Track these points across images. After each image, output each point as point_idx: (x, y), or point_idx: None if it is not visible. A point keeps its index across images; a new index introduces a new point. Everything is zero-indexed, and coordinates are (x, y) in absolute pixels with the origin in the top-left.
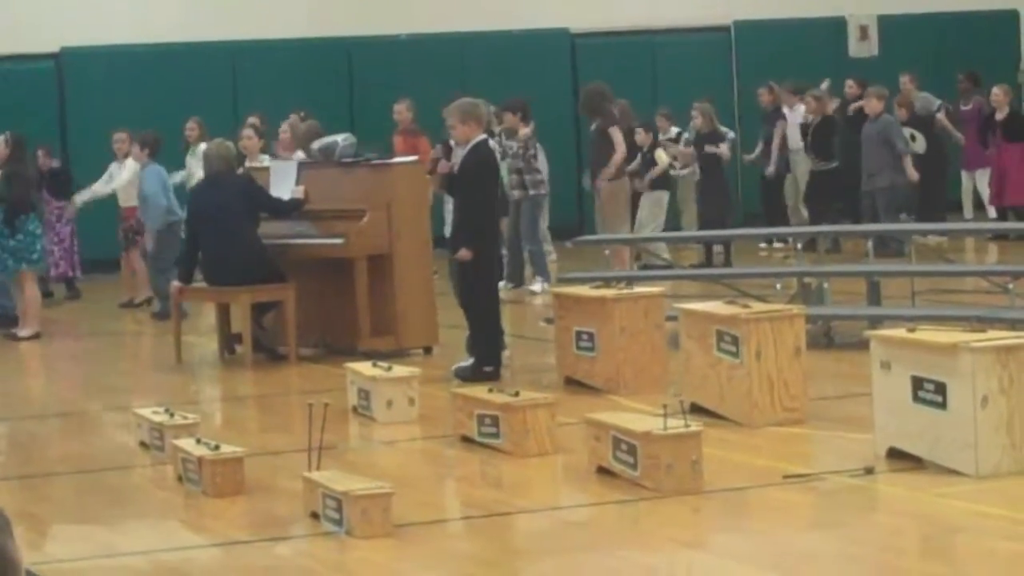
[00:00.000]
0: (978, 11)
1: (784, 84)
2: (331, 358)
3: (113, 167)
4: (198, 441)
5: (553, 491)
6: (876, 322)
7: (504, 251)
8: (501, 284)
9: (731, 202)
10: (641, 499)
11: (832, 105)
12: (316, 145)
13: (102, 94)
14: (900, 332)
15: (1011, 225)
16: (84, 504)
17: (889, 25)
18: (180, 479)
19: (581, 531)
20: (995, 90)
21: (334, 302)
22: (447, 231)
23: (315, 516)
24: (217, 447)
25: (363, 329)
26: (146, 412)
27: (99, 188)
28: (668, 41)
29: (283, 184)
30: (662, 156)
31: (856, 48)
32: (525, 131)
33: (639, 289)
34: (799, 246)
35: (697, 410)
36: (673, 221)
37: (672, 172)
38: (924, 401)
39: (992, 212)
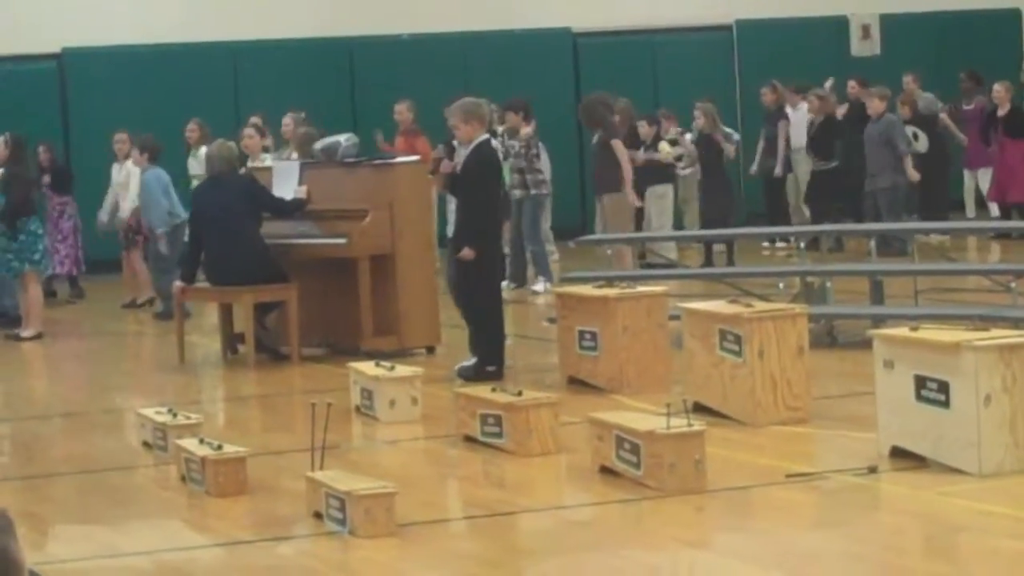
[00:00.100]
0: (980, 10)
1: (788, 83)
2: (334, 358)
3: (114, 168)
4: (201, 441)
5: (556, 491)
6: (879, 321)
7: (507, 251)
8: (504, 284)
9: (734, 201)
10: (644, 498)
11: (840, 109)
12: (319, 145)
13: (104, 94)
14: (903, 331)
15: (1013, 224)
16: (87, 504)
17: (891, 24)
18: (183, 479)
19: (584, 531)
20: (996, 87)
21: (337, 302)
22: (450, 231)
23: (318, 516)
24: (220, 447)
25: (366, 329)
26: (149, 412)
27: (116, 201)
28: (670, 40)
29: (286, 184)
30: (665, 148)
31: (858, 47)
32: (527, 130)
33: (642, 288)
34: (802, 245)
35: (700, 409)
36: (676, 220)
37: (677, 171)
38: (927, 400)
39: (994, 210)
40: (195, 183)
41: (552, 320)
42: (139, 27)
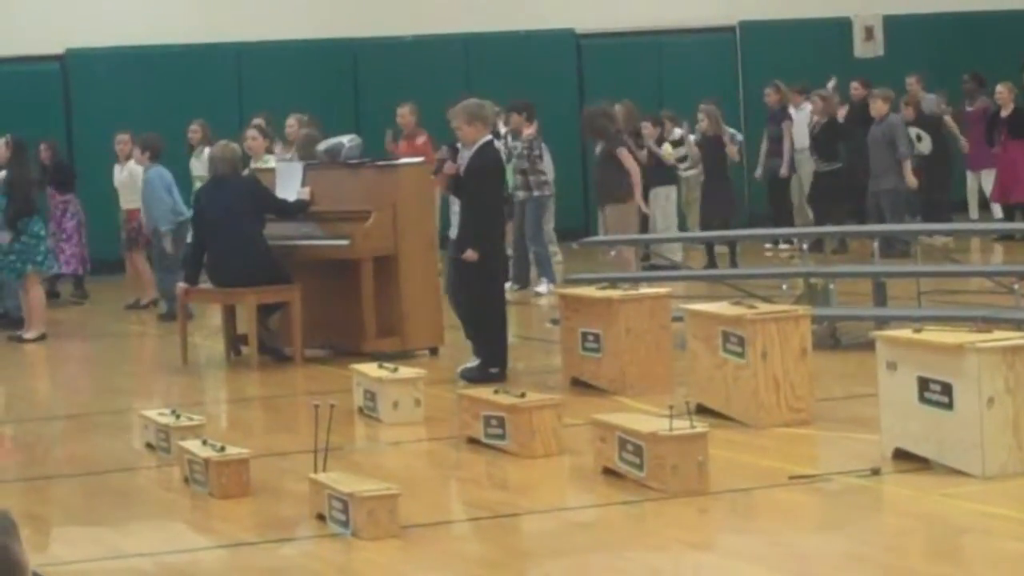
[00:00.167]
0: (984, 11)
1: (791, 85)
2: (337, 359)
3: (116, 169)
4: (204, 442)
5: (559, 492)
6: (882, 323)
7: (510, 252)
8: (507, 285)
9: (734, 203)
10: (647, 500)
11: (841, 110)
12: (322, 146)
13: (107, 96)
14: (906, 333)
15: (1017, 225)
16: (90, 506)
17: (894, 25)
18: (186, 480)
19: (587, 532)
20: (999, 88)
21: (340, 303)
22: (452, 232)
23: (321, 517)
24: (223, 448)
25: (369, 330)
26: (152, 413)
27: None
28: (673, 42)
29: (289, 185)
30: (668, 150)
31: (861, 48)
32: (529, 132)
33: (645, 290)
34: (805, 247)
35: (703, 411)
36: (679, 222)
37: (680, 172)
38: (930, 402)
39: (998, 211)
40: (198, 184)
41: (555, 321)
42: (143, 28)
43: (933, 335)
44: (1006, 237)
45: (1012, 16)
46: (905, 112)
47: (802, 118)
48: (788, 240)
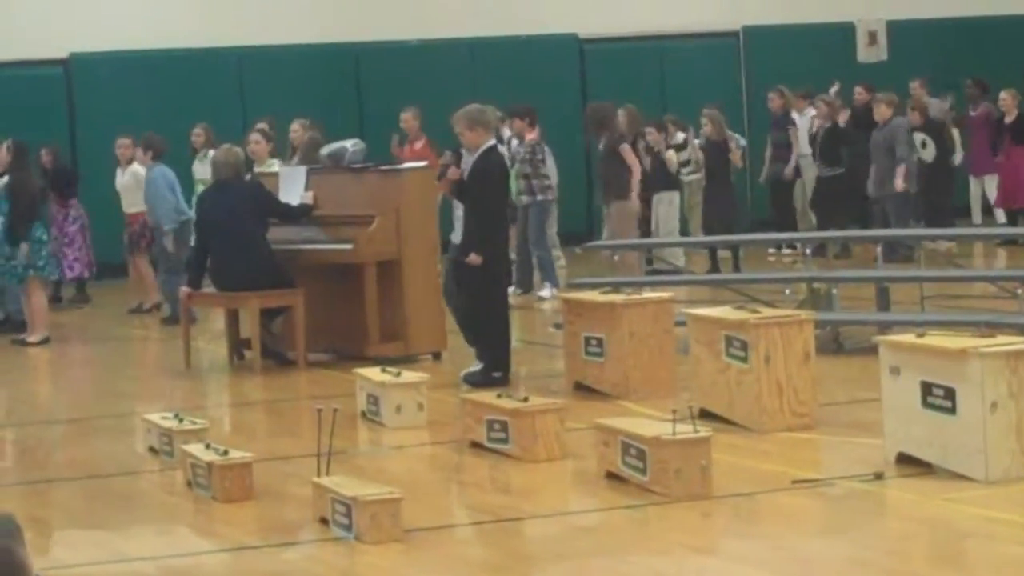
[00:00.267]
0: (987, 17)
1: (794, 90)
2: (340, 363)
3: (117, 173)
4: (207, 446)
5: (562, 496)
6: (885, 327)
7: (513, 257)
8: (510, 290)
9: (736, 208)
10: (650, 504)
11: (842, 115)
12: (325, 151)
13: (111, 100)
14: (909, 337)
15: (1020, 230)
16: (93, 509)
17: (898, 30)
18: (189, 484)
19: (590, 536)
20: (1003, 95)
21: (343, 307)
22: (454, 237)
23: (324, 521)
24: (226, 452)
25: (372, 334)
26: (155, 417)
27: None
28: (677, 47)
29: (292, 189)
30: (672, 157)
31: (865, 53)
32: (532, 136)
33: (648, 294)
34: (808, 251)
35: (706, 415)
36: (681, 227)
37: (682, 177)
38: (933, 406)
39: (1001, 216)
40: (200, 188)
41: (558, 326)
42: (146, 32)
43: (936, 340)
44: (1009, 242)
45: (1015, 21)
46: (911, 117)
47: (804, 123)
48: (791, 245)
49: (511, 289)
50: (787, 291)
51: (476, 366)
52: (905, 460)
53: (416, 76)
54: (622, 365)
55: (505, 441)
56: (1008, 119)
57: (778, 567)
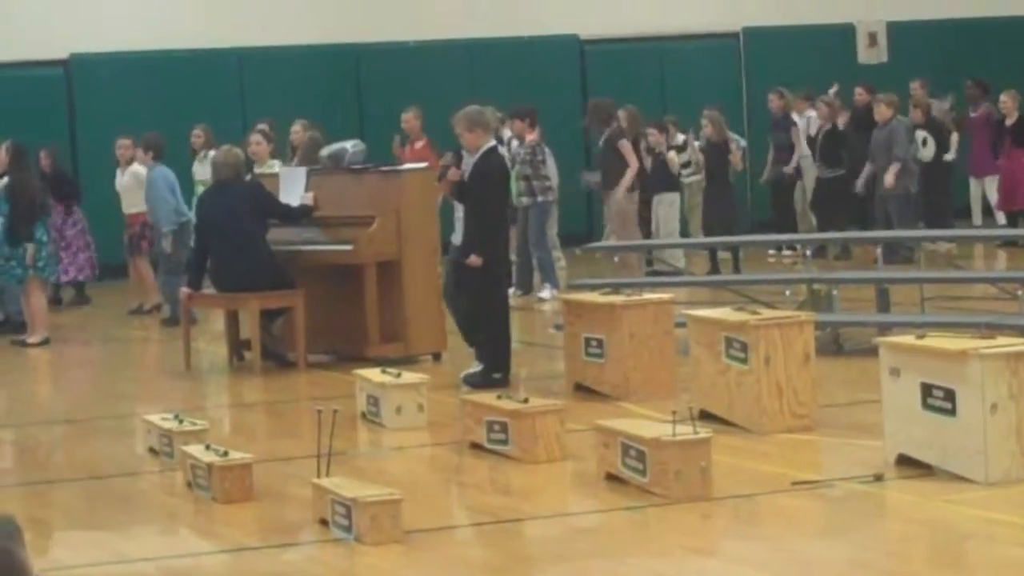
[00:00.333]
0: (987, 18)
1: (795, 91)
2: (340, 364)
3: (117, 174)
4: (207, 447)
5: (562, 498)
6: (885, 329)
7: (513, 258)
8: (510, 291)
9: (736, 209)
10: (650, 505)
11: (842, 117)
12: (326, 151)
13: (111, 101)
14: (909, 339)
15: (1020, 232)
16: (93, 510)
17: (898, 32)
18: (189, 485)
19: (590, 538)
20: (1003, 97)
21: (343, 308)
22: (455, 238)
23: (324, 522)
24: (226, 453)
25: (372, 335)
26: (155, 418)
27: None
28: (677, 48)
29: (292, 190)
30: (673, 158)
31: (865, 55)
32: (532, 137)
33: (648, 296)
34: (808, 252)
35: (706, 416)
36: (682, 228)
37: (682, 178)
38: (933, 408)
39: (1002, 217)
40: (200, 189)
41: (558, 327)
42: (146, 33)
43: (936, 341)
44: (1009, 243)
45: (1015, 22)
46: (913, 114)
47: (804, 125)
48: (791, 246)
49: (511, 290)
50: (787, 292)
51: (476, 367)
52: (905, 461)
53: (416, 77)
54: (622, 366)
55: (505, 442)
56: (1009, 121)
57: (778, 569)
